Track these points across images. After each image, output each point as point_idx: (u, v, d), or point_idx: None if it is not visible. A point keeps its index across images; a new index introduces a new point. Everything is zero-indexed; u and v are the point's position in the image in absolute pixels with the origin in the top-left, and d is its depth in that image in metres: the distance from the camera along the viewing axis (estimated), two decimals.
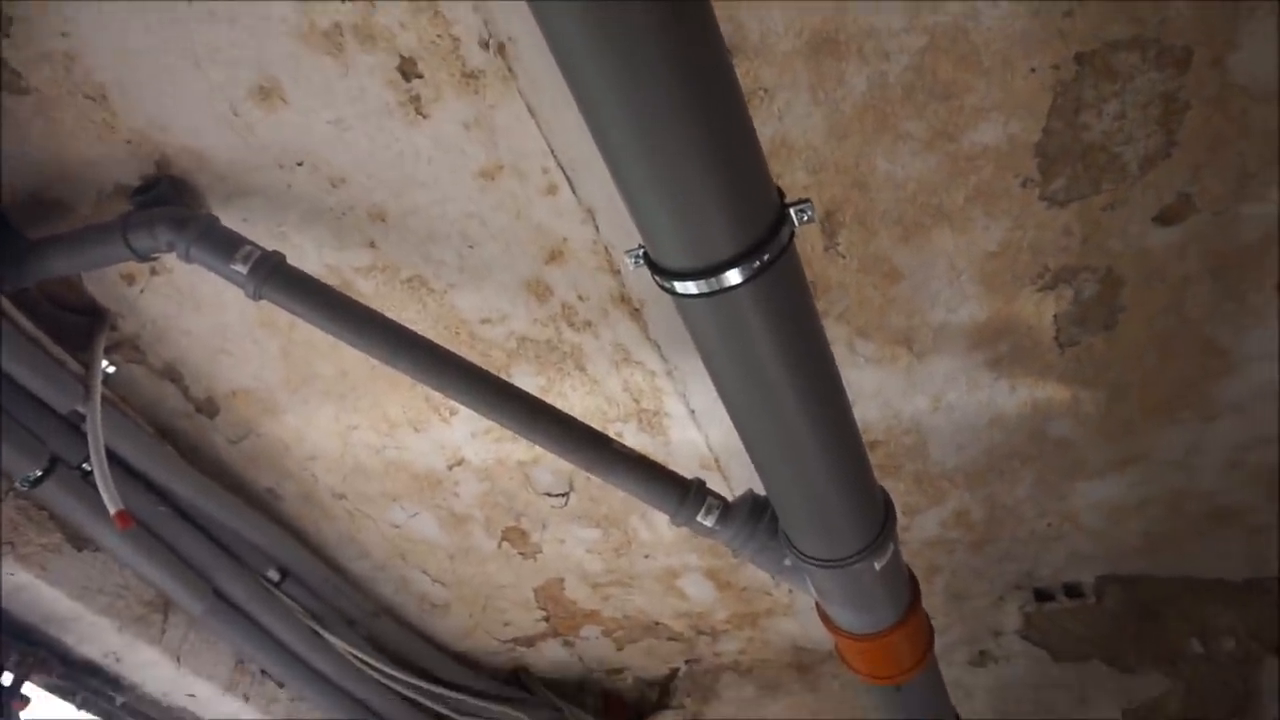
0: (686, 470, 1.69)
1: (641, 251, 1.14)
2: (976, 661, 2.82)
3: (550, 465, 2.30)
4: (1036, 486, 2.36)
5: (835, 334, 1.93)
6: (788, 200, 1.10)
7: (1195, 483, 2.33)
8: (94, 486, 1.83)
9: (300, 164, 1.62)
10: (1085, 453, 2.24)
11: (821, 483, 1.36)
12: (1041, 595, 2.82)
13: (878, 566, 1.53)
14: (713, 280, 1.07)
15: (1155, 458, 2.26)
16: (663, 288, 1.12)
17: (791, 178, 1.62)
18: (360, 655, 2.54)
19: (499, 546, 2.58)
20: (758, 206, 1.05)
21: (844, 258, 1.80)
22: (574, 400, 2.07)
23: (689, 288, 1.09)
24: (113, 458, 1.88)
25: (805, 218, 1.10)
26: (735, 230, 1.04)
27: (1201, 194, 1.67)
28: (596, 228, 1.70)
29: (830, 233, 1.74)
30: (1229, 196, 1.68)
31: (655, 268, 1.11)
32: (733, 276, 1.06)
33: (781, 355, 1.18)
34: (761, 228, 1.05)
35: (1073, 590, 2.79)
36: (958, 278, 1.84)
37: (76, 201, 1.70)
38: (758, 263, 1.06)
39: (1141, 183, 1.66)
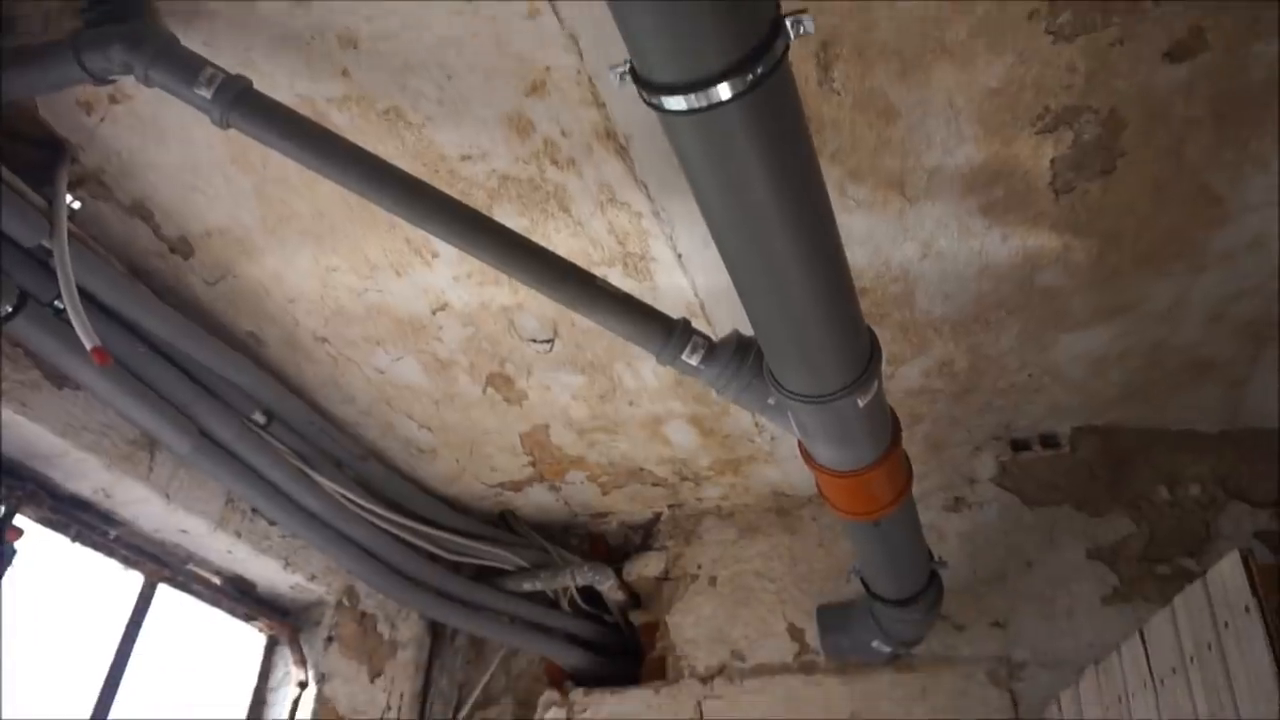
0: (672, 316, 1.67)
1: (628, 66, 1.07)
2: (951, 507, 2.91)
3: (535, 311, 2.28)
4: (1021, 337, 2.37)
5: (828, 175, 1.84)
6: (783, 10, 1.03)
7: (1177, 335, 2.34)
8: (68, 324, 1.80)
9: None
10: (1072, 303, 2.24)
11: (808, 314, 1.35)
12: (1018, 445, 2.89)
13: (861, 403, 1.54)
14: (702, 95, 1.02)
15: (1141, 309, 2.26)
16: (649, 104, 1.07)
17: (786, 3, 1.52)
18: (349, 495, 2.59)
19: (484, 392, 2.60)
20: (751, 15, 0.99)
21: (839, 94, 1.72)
22: (557, 243, 2.03)
23: (677, 103, 1.03)
24: (85, 296, 1.84)
25: (802, 29, 1.04)
26: (726, 40, 0.98)
27: (1215, 28, 1.59)
28: (580, 55, 1.61)
29: (825, 65, 1.66)
30: (1243, 32, 1.61)
31: (642, 82, 1.06)
32: (723, 91, 1.01)
33: (772, 179, 1.14)
34: (755, 38, 1.00)
35: (1049, 440, 2.86)
36: (956, 117, 1.77)
37: (24, 21, 1.58)
38: (750, 77, 1.01)
39: (1154, 15, 1.57)
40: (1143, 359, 2.43)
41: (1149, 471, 2.74)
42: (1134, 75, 1.67)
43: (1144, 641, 1.87)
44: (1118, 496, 2.75)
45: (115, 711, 2.25)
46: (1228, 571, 1.55)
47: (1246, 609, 1.49)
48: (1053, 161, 1.86)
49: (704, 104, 1.02)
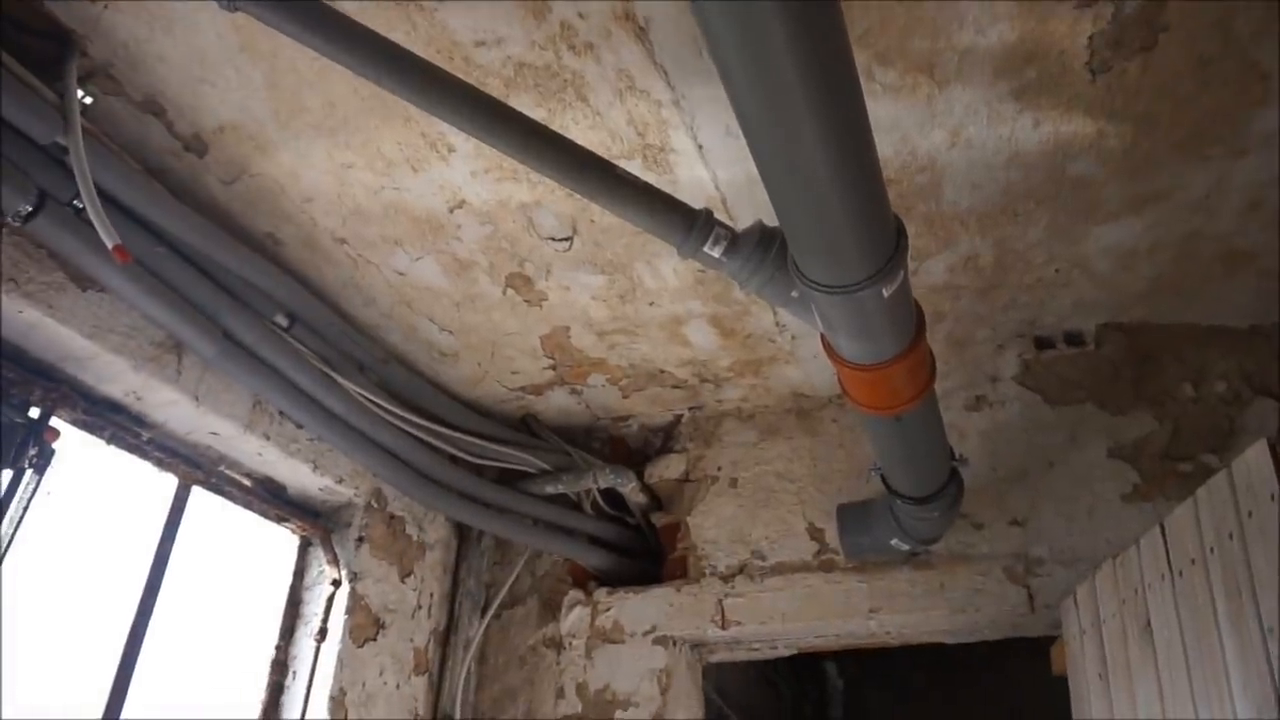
0: None
1: None
2: (972, 406, 2.90)
3: (553, 207, 2.25)
4: (1049, 230, 2.32)
5: (854, 59, 1.81)
6: None
7: (1212, 224, 2.28)
8: (88, 223, 1.79)
9: None
10: (1104, 192, 2.18)
11: (834, 200, 1.32)
12: (1042, 343, 2.86)
13: (885, 294, 1.52)
14: None
15: (1175, 198, 2.20)
16: None
17: None
18: (373, 399, 2.61)
19: (504, 294, 2.59)
20: None
21: None
22: (576, 134, 1.97)
23: None
24: (103, 195, 1.83)
25: None
26: None
27: None
28: None
29: None
30: None
31: None
32: None
33: (801, 56, 1.10)
34: None
35: (1073, 338, 2.83)
36: None
37: None
38: None
39: None
40: (1175, 251, 2.38)
41: (1175, 368, 2.71)
42: None
43: (1164, 534, 1.88)
44: (1141, 394, 2.73)
45: (158, 615, 2.32)
46: (1253, 460, 1.55)
47: (1272, 496, 1.49)
48: (1090, 39, 1.78)
49: None
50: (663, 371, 3.01)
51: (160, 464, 2.40)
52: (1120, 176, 2.12)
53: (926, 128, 2.00)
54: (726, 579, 3.00)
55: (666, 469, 3.27)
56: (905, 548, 2.69)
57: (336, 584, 2.81)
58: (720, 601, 2.97)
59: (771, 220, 1.61)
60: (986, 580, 2.70)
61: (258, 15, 1.48)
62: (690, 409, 3.28)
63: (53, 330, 1.99)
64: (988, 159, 2.09)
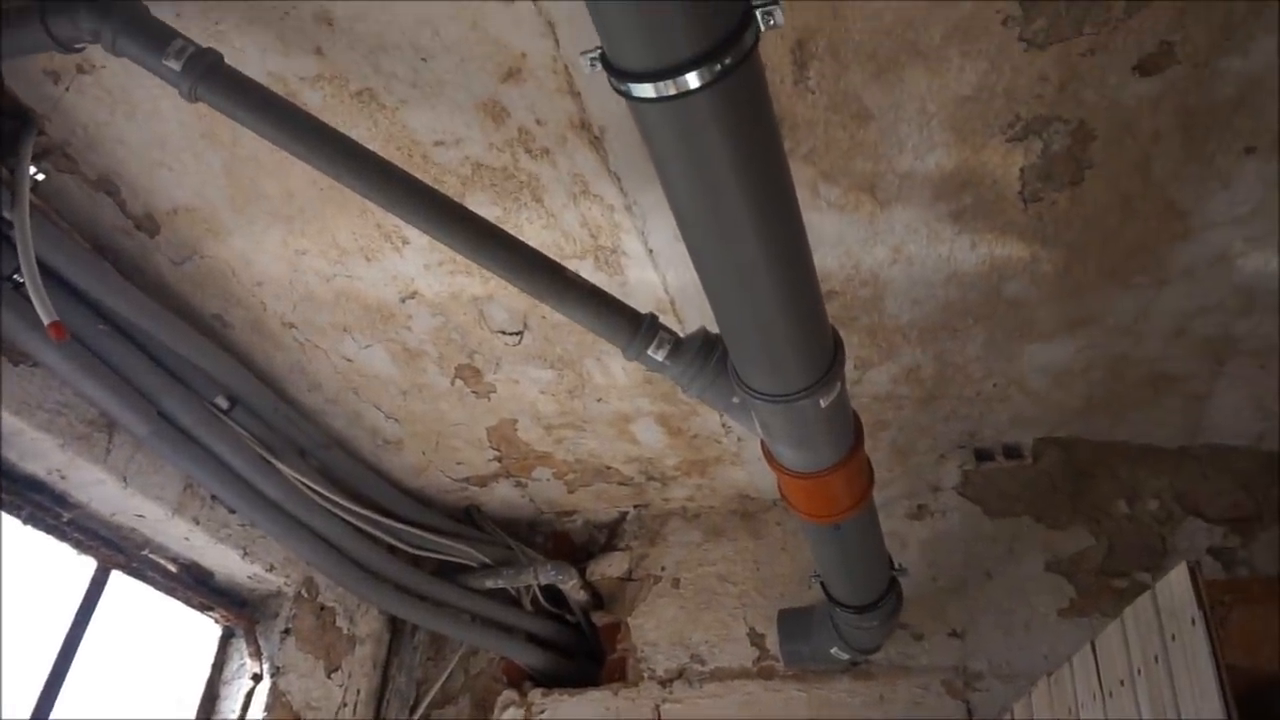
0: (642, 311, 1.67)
1: (599, 52, 1.07)
2: (914, 515, 2.93)
3: (505, 302, 2.27)
4: (987, 346, 2.39)
5: (800, 175, 1.89)
6: (754, 2, 1.03)
7: (1140, 349, 2.37)
8: (27, 299, 1.77)
9: None
10: (1037, 313, 2.27)
11: (773, 311, 1.35)
12: (981, 455, 2.91)
13: (823, 404, 1.55)
14: (671, 83, 1.02)
15: (1105, 322, 2.29)
16: (619, 91, 1.07)
17: None
18: (311, 484, 2.55)
19: (452, 384, 2.58)
20: (721, 4, 0.99)
21: (813, 93, 1.73)
22: (530, 234, 2.02)
23: (646, 91, 1.03)
24: (46, 271, 1.81)
25: (772, 21, 1.04)
26: (696, 29, 0.98)
27: (1184, 43, 1.62)
28: (557, 42, 1.61)
29: (801, 64, 1.67)
30: (1210, 48, 1.64)
31: (612, 69, 1.05)
32: (692, 80, 1.01)
33: (739, 172, 1.14)
34: (724, 28, 1.00)
35: (1011, 451, 2.88)
36: (928, 122, 1.79)
37: None
38: (719, 66, 1.01)
39: (1125, 26, 1.60)
40: (1105, 372, 2.46)
41: (1109, 485, 2.77)
42: (1104, 87, 1.69)
43: (1095, 653, 1.89)
44: (1078, 509, 2.78)
45: (62, 702, 2.20)
46: (1175, 583, 1.57)
47: (1193, 621, 1.51)
48: (1022, 170, 1.88)
49: (672, 92, 1.02)
50: (609, 468, 3.00)
51: (80, 546, 2.31)
52: (1053, 299, 2.21)
53: (869, 244, 2.07)
54: (665, 683, 2.93)
55: (609, 567, 3.23)
56: (845, 657, 2.67)
57: (257, 678, 2.69)
58: (658, 706, 2.90)
59: (712, 332, 1.65)
60: (926, 694, 2.67)
61: (219, 107, 1.50)
62: (636, 506, 3.26)
63: None
64: (928, 276, 2.16)
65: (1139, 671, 1.65)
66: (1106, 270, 2.13)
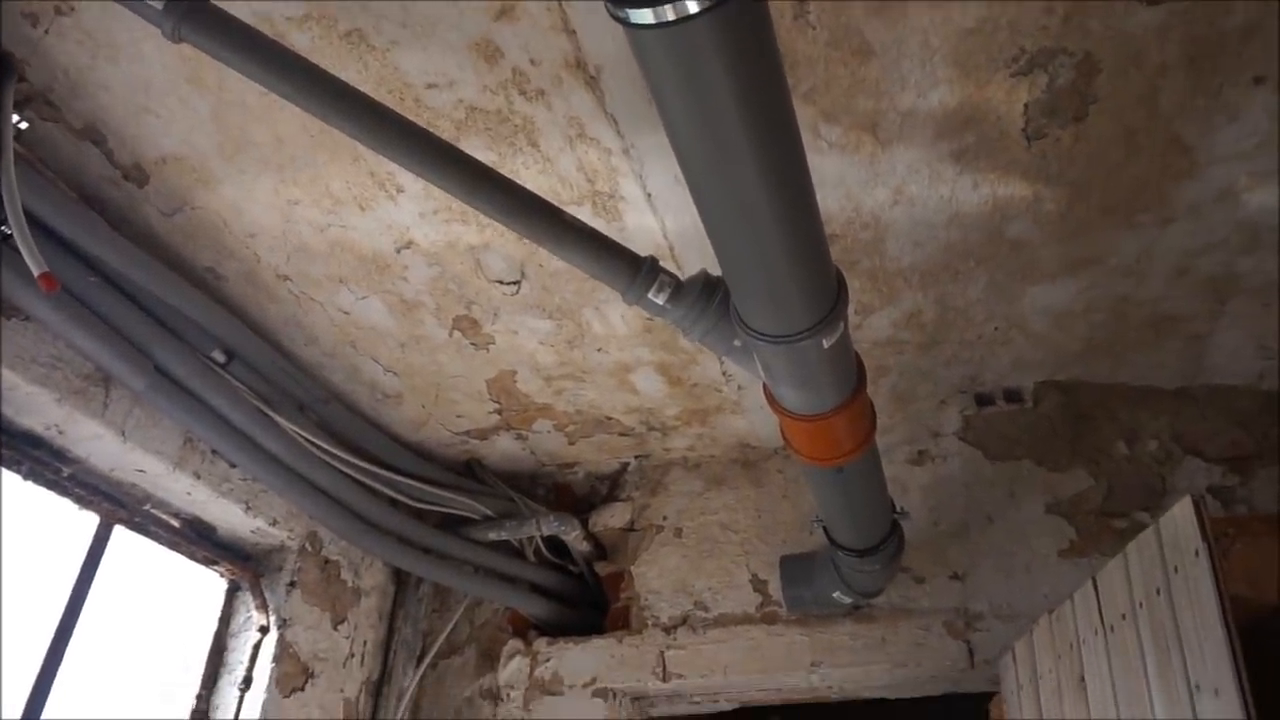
0: None
1: None
2: (915, 460, 2.93)
3: (501, 250, 2.24)
4: (989, 289, 2.38)
5: (801, 115, 1.81)
6: None
7: (1142, 289, 2.36)
8: (15, 250, 1.74)
9: None
10: (1040, 254, 2.25)
11: (776, 249, 1.33)
12: (982, 399, 2.91)
13: (826, 345, 1.53)
14: (669, 8, 0.98)
15: (1107, 262, 2.27)
16: (616, 18, 1.03)
17: None
18: (312, 439, 2.55)
19: (450, 335, 2.56)
20: None
21: (814, 29, 1.69)
22: (525, 180, 1.97)
23: (644, 16, 1.00)
24: (34, 222, 1.78)
25: None
26: None
27: None
28: None
29: None
30: None
31: None
32: (691, 4, 0.98)
33: (741, 103, 1.11)
34: None
35: (1012, 395, 2.88)
36: (931, 58, 1.75)
37: None
38: None
39: None
40: (1107, 313, 2.45)
41: (1109, 427, 2.78)
42: (1110, 17, 1.65)
43: (1096, 589, 1.90)
44: (1078, 451, 2.79)
45: (69, 657, 2.21)
46: (1180, 517, 1.58)
47: (1196, 553, 1.51)
48: (1026, 106, 1.84)
49: (671, 17, 0.99)
50: (610, 418, 2.99)
51: (81, 501, 2.31)
52: (1056, 239, 2.19)
53: (870, 185, 2.04)
54: (669, 630, 2.96)
55: (611, 517, 3.24)
56: (847, 601, 2.69)
57: (264, 630, 2.71)
58: (662, 653, 2.93)
59: (718, 270, 1.63)
60: (927, 635, 2.70)
61: (202, 46, 1.46)
62: (637, 457, 3.26)
63: None
64: (929, 217, 2.14)
65: (1141, 605, 1.66)
66: (1110, 209, 2.10)
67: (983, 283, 2.36)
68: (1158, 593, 1.59)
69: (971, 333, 2.56)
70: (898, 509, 2.37)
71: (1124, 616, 1.73)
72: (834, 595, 2.67)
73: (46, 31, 1.69)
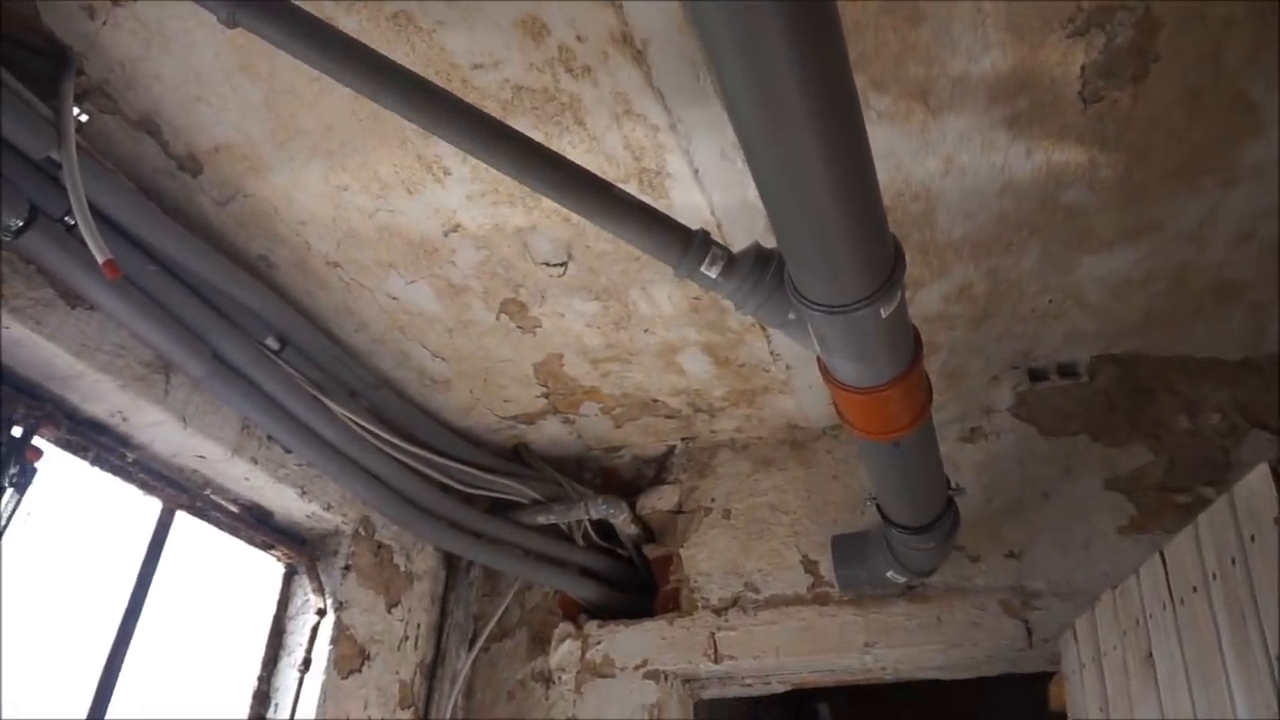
0: None
1: None
2: (967, 437, 2.89)
3: (548, 232, 2.24)
4: (1043, 259, 2.33)
5: None
6: None
7: (1204, 255, 2.29)
8: (79, 240, 1.78)
9: None
10: (1096, 222, 2.19)
11: (833, 215, 1.31)
12: (1036, 375, 2.86)
13: (883, 314, 1.52)
14: None
15: (1168, 228, 2.21)
16: None
17: None
18: (364, 425, 2.58)
19: (497, 319, 2.57)
20: None
21: None
22: (573, 158, 1.94)
23: None
24: (95, 212, 1.81)
25: None
26: None
27: None
28: None
29: None
30: None
31: None
32: None
33: (800, 67, 1.09)
34: None
35: (1067, 370, 2.82)
36: (983, 20, 1.71)
37: None
38: None
39: None
40: (1167, 281, 2.39)
41: (1169, 400, 2.71)
42: None
43: (1164, 562, 1.86)
44: (1136, 426, 2.72)
45: (136, 640, 2.27)
46: (1255, 484, 1.53)
47: (1275, 520, 1.47)
48: (1083, 68, 1.80)
49: None
50: (656, 401, 2.99)
51: (145, 487, 2.36)
52: (1113, 206, 2.14)
53: (920, 155, 2.01)
54: (719, 612, 2.96)
55: (659, 500, 3.24)
56: (901, 580, 2.66)
57: (321, 613, 2.75)
58: (713, 635, 2.92)
59: (766, 246, 1.61)
60: (983, 614, 2.66)
61: (257, 30, 1.48)
62: (684, 439, 3.26)
63: (39, 347, 1.97)
64: (981, 187, 2.10)
65: (1214, 576, 1.62)
66: (1170, 173, 2.04)
67: (1036, 253, 2.31)
68: (1233, 563, 1.55)
69: (1025, 306, 2.51)
70: (953, 485, 2.34)
71: (1195, 589, 1.69)
72: (888, 575, 2.64)
73: (104, 23, 1.72)
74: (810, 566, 2.93)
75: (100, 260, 1.72)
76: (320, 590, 2.78)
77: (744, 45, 1.08)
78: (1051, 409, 2.82)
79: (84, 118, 1.88)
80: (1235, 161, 2.00)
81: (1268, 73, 1.80)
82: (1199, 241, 2.24)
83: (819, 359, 1.76)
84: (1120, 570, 2.24)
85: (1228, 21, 1.69)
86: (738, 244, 2.16)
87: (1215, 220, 2.17)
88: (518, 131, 1.57)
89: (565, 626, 3.13)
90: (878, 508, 2.38)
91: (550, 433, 3.21)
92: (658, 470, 3.33)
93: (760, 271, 1.59)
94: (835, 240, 1.36)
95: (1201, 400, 2.68)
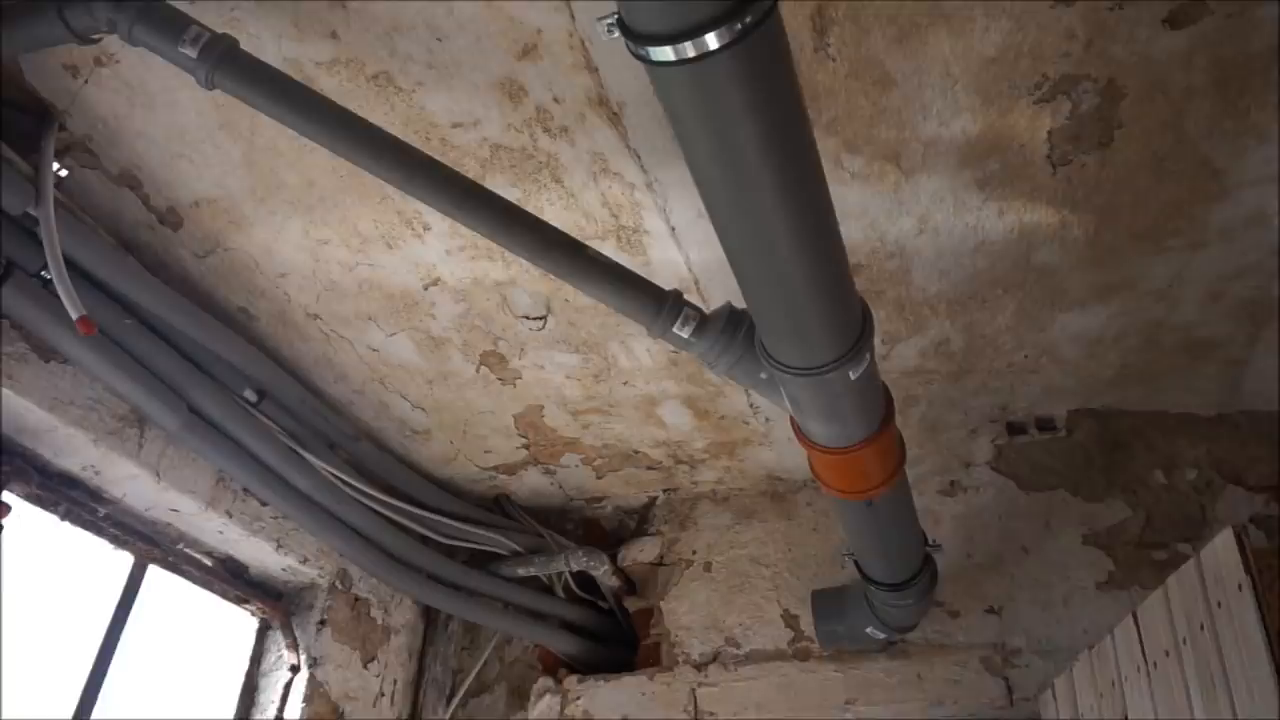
0: None
1: (616, 17, 1.05)
2: (947, 491, 2.89)
3: (527, 286, 2.26)
4: (1017, 316, 2.35)
5: (823, 146, 1.84)
6: None
7: (1175, 314, 2.32)
8: (55, 295, 1.78)
9: None
10: (1068, 281, 2.22)
11: (799, 281, 1.33)
12: (1014, 428, 2.87)
13: (852, 376, 1.53)
14: (690, 45, 0.99)
15: (1138, 287, 2.24)
16: (637, 56, 1.05)
17: None
18: (342, 476, 2.56)
19: (477, 371, 2.58)
20: None
21: (834, 60, 1.70)
22: (550, 215, 2.00)
23: (665, 54, 1.01)
24: (72, 266, 1.82)
25: None
26: None
27: None
28: (572, 16, 1.59)
29: (821, 30, 1.64)
30: None
31: (630, 33, 1.03)
32: (711, 41, 0.99)
33: (762, 136, 1.12)
34: None
35: (1044, 424, 2.84)
36: (953, 86, 1.75)
37: None
38: (739, 25, 0.98)
39: None
40: (1140, 339, 2.41)
41: (1145, 455, 2.73)
42: (1133, 42, 1.65)
43: (1137, 624, 1.85)
44: (1114, 481, 2.73)
45: (104, 696, 2.23)
46: (1221, 550, 1.53)
47: (1240, 587, 1.47)
48: (1050, 133, 1.83)
49: (691, 54, 1.00)
50: (637, 452, 2.99)
51: (116, 541, 2.33)
52: (1084, 266, 2.17)
53: (895, 214, 2.04)
54: (700, 667, 2.92)
55: (640, 552, 3.22)
56: (881, 636, 2.64)
57: (295, 669, 2.71)
58: (693, 691, 2.88)
59: (743, 303, 1.62)
60: (964, 671, 2.64)
61: (236, 94, 1.50)
62: (665, 490, 3.25)
63: (11, 402, 1.96)
64: (955, 246, 2.13)
65: (1184, 641, 1.61)
66: (1139, 234, 2.08)
67: (1011, 310, 2.33)
68: (1201, 629, 1.54)
69: (1001, 361, 2.53)
70: (930, 541, 2.33)
71: (1167, 653, 1.68)
72: (867, 630, 2.62)
73: (86, 82, 1.75)
74: (791, 621, 2.91)
75: (74, 316, 1.71)
76: (294, 646, 2.74)
77: (707, 118, 1.10)
78: (1030, 463, 2.83)
79: (64, 173, 1.89)
80: (1203, 224, 2.03)
81: (1230, 139, 1.84)
82: (1169, 300, 2.27)
83: (791, 418, 1.76)
84: (1099, 627, 2.23)
85: (1188, 91, 1.74)
86: (716, 299, 2.19)
87: (1184, 280, 2.20)
88: (492, 193, 1.59)
89: (545, 681, 3.09)
90: (855, 564, 2.37)
91: (532, 483, 3.20)
92: (639, 521, 3.32)
93: (732, 332, 1.60)
94: (802, 305, 1.38)
95: (1177, 455, 2.70)
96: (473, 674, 3.21)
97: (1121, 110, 1.79)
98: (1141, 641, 1.79)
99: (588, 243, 2.03)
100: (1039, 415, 2.82)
